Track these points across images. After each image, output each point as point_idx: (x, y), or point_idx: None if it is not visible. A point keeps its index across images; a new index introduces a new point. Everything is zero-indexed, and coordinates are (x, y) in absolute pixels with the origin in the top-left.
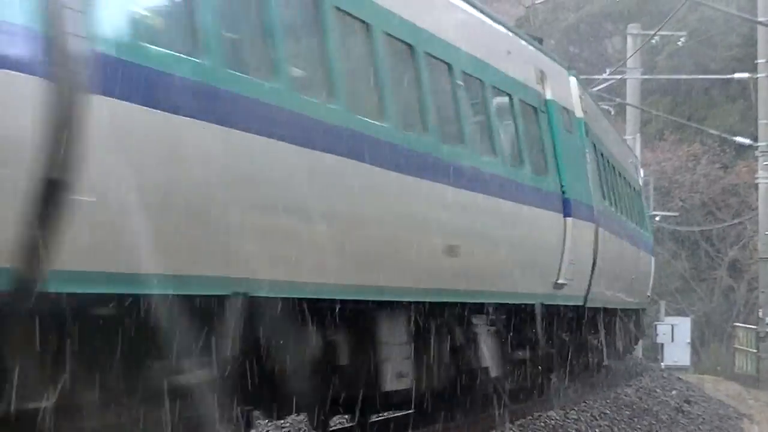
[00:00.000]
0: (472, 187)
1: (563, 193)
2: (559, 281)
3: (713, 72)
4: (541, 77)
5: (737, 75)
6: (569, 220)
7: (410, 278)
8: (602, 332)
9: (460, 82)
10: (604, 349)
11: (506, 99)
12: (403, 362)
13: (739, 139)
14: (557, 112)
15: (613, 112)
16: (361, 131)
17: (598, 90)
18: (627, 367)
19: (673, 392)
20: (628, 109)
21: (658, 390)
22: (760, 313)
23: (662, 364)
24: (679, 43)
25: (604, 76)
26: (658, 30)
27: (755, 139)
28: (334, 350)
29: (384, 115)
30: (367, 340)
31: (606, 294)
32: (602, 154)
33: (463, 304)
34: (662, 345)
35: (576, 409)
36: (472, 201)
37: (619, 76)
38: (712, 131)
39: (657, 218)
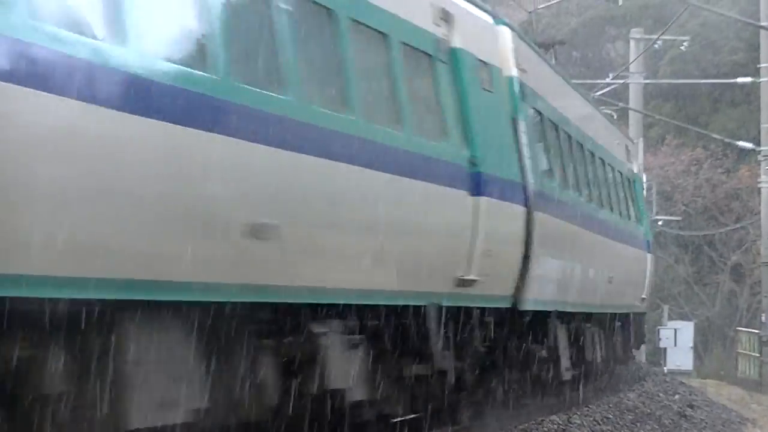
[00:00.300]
0: (298, 148)
1: (474, 165)
2: (468, 277)
3: (716, 76)
4: (445, 19)
5: (740, 79)
6: (482, 199)
7: (175, 269)
8: (561, 342)
9: (285, 5)
10: (563, 363)
11: (377, 39)
12: (169, 387)
13: (741, 143)
14: (469, 65)
15: (615, 117)
16: (71, 53)
17: (601, 94)
18: (630, 371)
19: (676, 397)
20: (631, 113)
21: (660, 394)
22: (763, 318)
23: (665, 368)
24: (682, 47)
25: (607, 80)
26: (661, 34)
27: (758, 143)
28: (40, 371)
29: (119, 36)
30: (97, 357)
31: (557, 295)
32: (555, 126)
33: (299, 307)
34: (665, 349)
35: (579, 413)
36: (298, 166)
37: (621, 81)
38: (714, 135)
39: (660, 222)
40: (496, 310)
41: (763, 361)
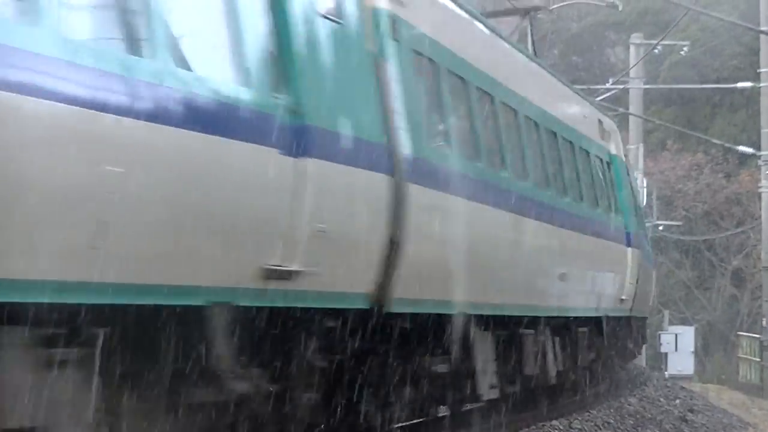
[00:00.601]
0: None
1: (296, 116)
2: (287, 267)
3: (716, 81)
4: None
5: (740, 84)
6: (310, 162)
7: None
8: (480, 353)
9: None
10: (482, 379)
11: None
12: None
13: (741, 148)
14: None
15: (616, 122)
16: None
17: (601, 99)
18: (630, 376)
19: (677, 401)
20: (631, 118)
21: (661, 399)
22: (764, 322)
23: (666, 373)
24: (682, 52)
25: (607, 85)
26: (661, 39)
27: (758, 147)
28: None
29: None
30: None
31: (460, 294)
32: (462, 81)
33: None
34: (666, 354)
35: (579, 418)
36: None
37: (621, 86)
38: (714, 140)
39: (660, 227)
40: (353, 314)
41: (764, 366)
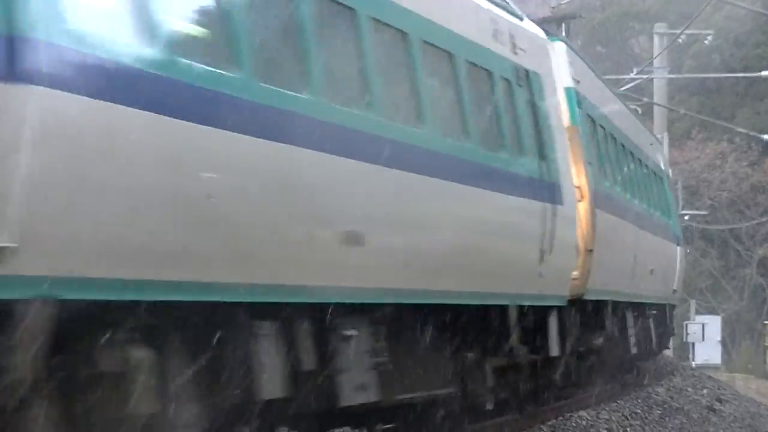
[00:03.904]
0: None
1: None
2: None
3: (740, 70)
4: None
5: (764, 73)
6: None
7: None
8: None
9: None
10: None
11: None
12: None
13: (766, 137)
14: None
15: (640, 112)
16: None
17: (626, 89)
18: (658, 366)
19: (704, 391)
20: (656, 108)
21: (689, 389)
22: None
23: (693, 363)
24: (706, 41)
25: (631, 75)
26: (685, 29)
27: None
28: None
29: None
30: None
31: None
32: None
33: None
34: (693, 344)
35: (607, 408)
36: None
37: (646, 76)
38: (739, 129)
39: (686, 217)
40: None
41: None
